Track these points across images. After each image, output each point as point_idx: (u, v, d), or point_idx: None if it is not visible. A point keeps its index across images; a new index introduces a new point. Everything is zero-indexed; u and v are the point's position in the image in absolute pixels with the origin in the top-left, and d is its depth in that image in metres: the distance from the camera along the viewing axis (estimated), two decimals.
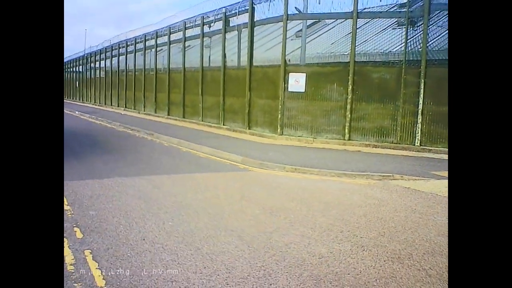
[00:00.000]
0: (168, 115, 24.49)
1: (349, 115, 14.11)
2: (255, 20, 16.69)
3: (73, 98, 49.96)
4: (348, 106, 14.09)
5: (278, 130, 15.28)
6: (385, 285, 4.01)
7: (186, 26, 22.36)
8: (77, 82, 48.48)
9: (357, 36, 14.23)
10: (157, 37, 26.31)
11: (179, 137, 15.34)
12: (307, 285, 3.95)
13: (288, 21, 15.00)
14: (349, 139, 14.20)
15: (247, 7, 17.01)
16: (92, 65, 42.01)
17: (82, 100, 45.29)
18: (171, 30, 24.26)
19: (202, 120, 20.63)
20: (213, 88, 19.47)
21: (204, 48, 20.55)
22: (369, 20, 18.92)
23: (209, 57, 20.59)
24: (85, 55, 44.60)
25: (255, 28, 16.82)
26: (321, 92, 14.51)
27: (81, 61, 46.69)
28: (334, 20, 24.44)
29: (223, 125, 18.79)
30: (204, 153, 12.29)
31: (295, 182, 8.69)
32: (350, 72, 14.02)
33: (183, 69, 22.49)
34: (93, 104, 39.98)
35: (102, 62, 38.56)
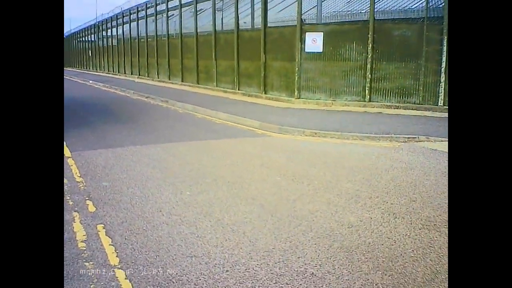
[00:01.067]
0: (182, 81, 24.06)
1: (369, 75, 13.52)
2: None
3: (86, 68, 49.71)
4: (368, 66, 13.48)
5: (295, 93, 14.80)
6: (423, 256, 3.68)
7: None
8: (90, 51, 48.07)
9: None
10: (167, 1, 25.58)
11: (194, 103, 14.98)
12: (338, 258, 3.64)
13: None
14: (369, 101, 13.66)
15: None
16: (104, 33, 41.46)
17: (96, 69, 44.99)
18: None
19: (216, 86, 20.18)
20: (227, 52, 18.91)
21: (216, 10, 19.83)
22: None
23: (222, 19, 19.92)
24: (97, 23, 43.98)
25: None
26: (340, 52, 13.88)
27: (92, 30, 46.11)
28: None
29: (238, 90, 18.33)
30: (220, 119, 11.94)
31: (315, 146, 8.32)
32: (369, 30, 13.32)
33: (195, 33, 21.88)
34: (106, 73, 39.68)
35: (114, 30, 37.96)
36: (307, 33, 14.36)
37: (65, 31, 66.97)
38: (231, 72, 18.77)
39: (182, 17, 23.72)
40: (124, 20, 34.52)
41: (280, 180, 5.90)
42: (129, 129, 10.25)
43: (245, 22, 18.73)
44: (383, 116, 11.82)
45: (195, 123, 11.37)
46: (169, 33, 25.65)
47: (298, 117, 11.63)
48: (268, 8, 16.55)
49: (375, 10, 13.60)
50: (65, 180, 5.76)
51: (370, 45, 13.36)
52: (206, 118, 12.35)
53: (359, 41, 13.57)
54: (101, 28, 42.33)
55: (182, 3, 23.60)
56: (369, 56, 13.42)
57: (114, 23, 37.56)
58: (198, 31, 21.76)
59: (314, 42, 14.28)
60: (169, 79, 25.85)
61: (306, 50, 14.43)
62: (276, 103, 15.09)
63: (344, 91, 14.04)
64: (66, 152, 7.62)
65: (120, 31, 36.18)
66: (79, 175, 6.10)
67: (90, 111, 13.95)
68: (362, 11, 18.12)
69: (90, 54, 48.16)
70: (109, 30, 39.61)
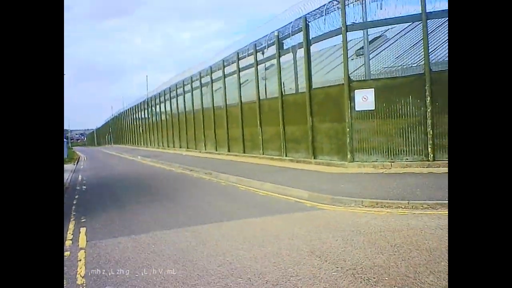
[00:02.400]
0: (229, 151, 23.30)
1: (431, 131, 11.93)
2: (310, 37, 15.13)
3: (138, 144, 50.77)
4: (429, 121, 11.94)
5: (348, 156, 13.36)
6: None
7: (239, 56, 21.30)
8: (141, 128, 49.28)
9: (429, 41, 12.19)
10: (211, 72, 25.56)
11: (238, 174, 13.87)
12: None
13: (348, 32, 13.27)
14: (433, 159, 11.96)
15: (300, 26, 15.53)
16: (153, 109, 42.44)
17: (147, 145, 45.72)
18: (225, 63, 23.33)
19: (263, 153, 19.11)
20: (272, 118, 17.98)
21: (259, 78, 19.23)
22: (441, 21, 16.84)
23: (265, 86, 19.23)
24: (146, 100, 45.32)
25: (311, 47, 15.22)
26: (394, 108, 12.48)
27: (142, 107, 47.55)
28: (396, 33, 22.73)
29: (286, 156, 17.13)
30: (265, 191, 10.66)
31: (379, 221, 6.75)
32: (426, 82, 11.93)
33: (239, 102, 21.32)
34: (156, 148, 40.04)
35: (162, 106, 38.70)
36: (356, 91, 13.16)
37: (117, 110, 70.09)
38: (277, 139, 17.70)
39: (226, 87, 23.40)
40: (171, 95, 35.08)
41: (336, 276, 4.40)
42: (162, 208, 9.14)
43: (290, 88, 17.89)
44: None
45: (236, 198, 10.13)
46: (214, 104, 25.37)
47: (353, 184, 10.13)
48: (312, 72, 15.63)
49: (431, 61, 12.29)
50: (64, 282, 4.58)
51: (428, 98, 11.90)
52: (249, 190, 11.10)
53: (415, 94, 12.16)
54: (150, 104, 43.44)
55: (225, 73, 23.38)
56: (429, 110, 11.92)
57: (162, 99, 38.36)
58: (242, 99, 21.20)
59: (364, 99, 13.02)
60: (216, 150, 25.21)
61: (357, 108, 13.15)
62: (327, 168, 13.67)
63: (403, 151, 12.46)
64: (82, 241, 6.55)
65: (168, 107, 36.75)
66: (82, 275, 4.91)
67: (128, 189, 13.12)
68: (413, 65, 16.89)
69: (141, 131, 49.33)
70: (157, 106, 40.47)
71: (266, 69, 20.00)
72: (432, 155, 11.97)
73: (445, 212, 7.09)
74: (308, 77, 15.17)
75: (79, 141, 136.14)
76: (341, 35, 13.40)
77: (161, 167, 20.69)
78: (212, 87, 25.55)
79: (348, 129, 13.28)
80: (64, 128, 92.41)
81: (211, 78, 25.58)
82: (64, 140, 44.08)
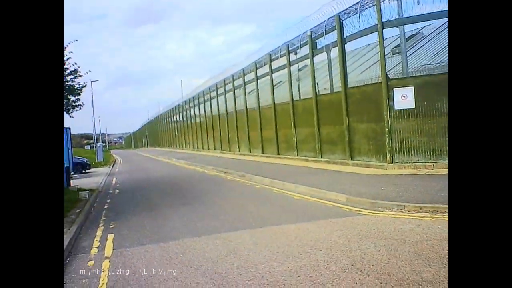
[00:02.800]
0: (263, 153, 22.97)
1: None
2: (345, 36, 14.59)
3: (173, 146, 51.26)
4: None
5: (388, 157, 12.74)
6: None
7: (272, 58, 20.94)
8: (176, 131, 49.71)
9: None
10: (244, 75, 25.33)
11: (272, 176, 13.50)
12: None
13: (384, 29, 12.66)
14: None
15: (333, 24, 15.01)
16: (188, 112, 42.69)
17: (182, 147, 46.06)
18: (257, 65, 23.04)
19: (297, 155, 18.66)
20: (306, 118, 17.52)
21: (292, 78, 18.80)
22: None
23: (298, 86, 18.78)
24: (181, 103, 45.66)
25: (346, 45, 14.68)
26: (436, 106, 11.79)
27: (177, 110, 47.94)
28: (433, 29, 21.81)
29: (321, 157, 16.62)
30: (300, 194, 10.23)
31: (424, 228, 6.21)
32: None
33: (272, 103, 20.96)
34: (191, 150, 40.22)
35: (196, 109, 38.85)
36: (395, 89, 12.53)
37: (153, 114, 71.05)
38: (312, 140, 17.22)
39: (259, 89, 23.09)
40: (205, 98, 35.12)
41: None
42: (193, 212, 8.88)
43: (325, 89, 17.37)
44: None
45: (270, 201, 9.75)
46: (247, 106, 25.12)
47: (394, 186, 9.56)
48: (347, 72, 15.07)
49: None
50: None
51: None
52: (284, 193, 10.71)
53: None
54: (184, 108, 43.73)
55: (258, 75, 23.07)
56: None
57: (196, 102, 38.50)
58: (275, 100, 20.83)
59: (404, 98, 12.38)
60: (250, 152, 24.95)
61: (396, 107, 12.52)
62: (365, 170, 13.09)
63: (446, 151, 11.73)
64: (108, 249, 6.34)
65: (202, 109, 36.82)
66: (105, 286, 4.64)
67: (161, 192, 12.98)
68: None
69: (176, 133, 49.77)
70: (191, 109, 40.68)
71: (299, 70, 19.52)
72: None
73: None
74: (343, 76, 14.64)
75: (117, 144, 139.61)
76: (377, 32, 12.80)
77: (195, 169, 20.57)
78: (245, 89, 25.31)
79: (387, 129, 12.67)
80: (102, 132, 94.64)
81: (244, 80, 25.34)
82: (101, 144, 44.93)
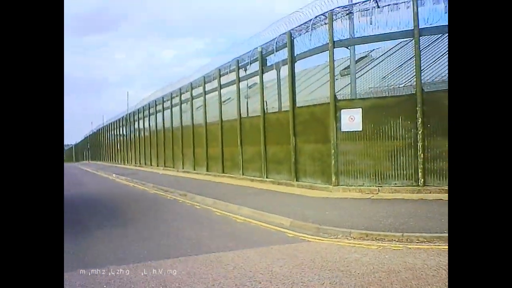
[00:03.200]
0: (207, 171, 22.26)
1: (422, 155, 11.16)
2: (295, 54, 14.39)
3: (115, 161, 49.23)
4: (420, 144, 11.18)
5: (333, 179, 12.48)
6: None
7: (221, 72, 20.47)
8: (119, 145, 47.84)
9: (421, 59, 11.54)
10: (192, 89, 24.64)
11: (215, 196, 12.87)
12: None
13: (334, 48, 12.54)
14: (424, 185, 11.17)
15: (284, 41, 14.80)
16: (131, 126, 41.20)
17: (124, 162, 44.27)
18: (206, 80, 22.46)
19: (242, 174, 18.14)
20: (253, 137, 17.09)
21: (241, 95, 18.39)
22: (430, 39, 16.38)
23: (247, 103, 18.39)
24: (124, 116, 44.04)
25: (296, 64, 14.46)
26: (383, 129, 11.71)
27: (121, 123, 46.19)
28: (382, 53, 22.27)
29: (267, 178, 16.19)
30: (243, 217, 9.68)
31: (371, 258, 5.82)
32: (417, 102, 11.22)
33: (220, 120, 20.40)
34: (134, 166, 38.68)
35: (141, 122, 37.55)
36: (342, 110, 12.37)
37: (97, 125, 68.46)
38: (258, 159, 16.78)
39: (207, 105, 22.49)
40: (150, 112, 33.99)
41: None
42: (125, 236, 8.06)
43: (273, 107, 17.07)
44: (445, 204, 9.27)
45: (210, 224, 9.11)
46: (193, 121, 24.40)
47: (339, 211, 9.23)
48: (296, 92, 14.84)
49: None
50: None
51: (420, 120, 11.18)
52: (226, 215, 10.11)
53: (406, 116, 11.43)
54: (128, 121, 42.19)
55: (206, 90, 22.50)
56: (420, 132, 11.18)
57: (140, 115, 37.23)
58: (222, 116, 20.30)
59: (351, 120, 12.23)
60: (194, 169, 24.15)
61: (343, 129, 12.34)
62: (310, 192, 12.77)
63: (391, 175, 11.65)
64: None
65: (146, 123, 35.62)
66: None
67: (93, 211, 11.97)
68: (400, 86, 16.26)
69: (119, 147, 47.87)
70: (136, 123, 39.30)
71: (249, 87, 19.18)
72: (422, 180, 11.18)
73: (444, 247, 6.22)
74: (291, 95, 14.38)
75: None
76: (328, 51, 12.67)
77: (135, 187, 19.51)
78: (192, 103, 24.62)
79: (333, 151, 12.44)
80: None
81: (191, 94, 24.65)
82: None
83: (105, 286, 5.02)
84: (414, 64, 11.70)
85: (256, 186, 15.32)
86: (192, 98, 24.57)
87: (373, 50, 21.94)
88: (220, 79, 20.48)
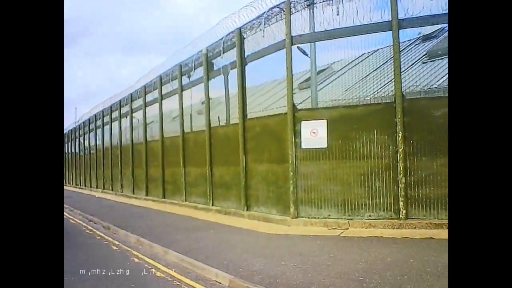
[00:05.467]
0: (147, 195, 19.19)
1: (404, 179, 8.78)
2: (245, 55, 11.85)
3: None
4: (400, 165, 8.80)
5: (291, 209, 9.88)
6: None
7: (163, 80, 17.65)
8: None
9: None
10: (132, 101, 21.64)
11: (142, 231, 9.99)
12: None
13: (292, 46, 10.07)
14: (406, 218, 8.77)
15: (233, 40, 12.25)
16: (72, 143, 37.36)
17: (65, 183, 40.16)
18: (146, 89, 19.55)
19: (185, 200, 15.26)
20: (198, 155, 14.30)
21: (183, 107, 15.61)
22: (405, 44, 14.33)
23: (190, 115, 15.60)
24: (66, 133, 40.07)
25: (247, 66, 11.88)
26: (354, 146, 9.28)
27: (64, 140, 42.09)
28: (344, 65, 20.26)
29: (212, 205, 13.40)
30: (166, 267, 6.86)
31: None
32: (397, 111, 8.88)
33: (160, 135, 17.49)
34: (73, 187, 34.87)
35: (81, 139, 33.90)
36: (303, 122, 9.87)
37: None
38: (203, 182, 13.98)
39: (149, 118, 19.54)
40: (90, 128, 30.49)
41: None
42: None
43: (224, 120, 14.40)
44: (439, 245, 6.84)
45: (115, 281, 6.20)
46: (133, 138, 21.35)
47: (300, 258, 6.59)
48: (248, 102, 12.27)
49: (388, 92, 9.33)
50: None
51: (400, 134, 8.82)
52: (145, 263, 7.26)
53: (383, 129, 9.05)
54: (70, 138, 38.29)
55: (146, 101, 19.56)
56: (400, 150, 8.80)
57: (81, 131, 33.61)
58: (164, 132, 17.40)
59: (314, 134, 9.74)
60: (133, 193, 21.01)
61: (303, 146, 9.82)
62: (263, 226, 10.09)
63: (365, 204, 9.18)
64: None
65: (86, 141, 32.05)
66: None
67: None
68: (367, 97, 14.09)
69: None
70: (76, 140, 35.56)
71: (191, 88, 16.39)
72: (404, 212, 8.76)
73: None
74: (241, 104, 11.76)
75: None
76: (285, 49, 10.17)
77: None
78: (131, 117, 21.59)
79: (291, 173, 9.87)
80: None
81: (131, 107, 21.64)
82: None
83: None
84: (393, 67, 9.39)
85: (198, 217, 12.47)
86: (132, 111, 21.57)
87: (334, 62, 20.10)
88: (161, 88, 17.64)
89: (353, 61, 19.77)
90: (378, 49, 16.84)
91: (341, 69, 20.23)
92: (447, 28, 18.87)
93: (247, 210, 11.58)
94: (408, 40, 18.58)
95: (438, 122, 8.61)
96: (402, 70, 13.91)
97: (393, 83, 9.13)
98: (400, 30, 8.99)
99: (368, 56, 18.66)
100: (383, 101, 9.77)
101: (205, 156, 13.67)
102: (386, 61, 16.68)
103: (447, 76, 14.34)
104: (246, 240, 8.52)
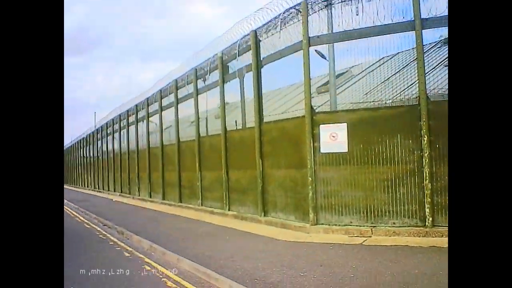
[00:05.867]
0: (163, 199, 19.01)
1: (429, 184, 8.31)
2: (261, 57, 11.52)
3: (77, 184, 45.27)
4: (426, 170, 8.34)
5: (311, 216, 9.49)
6: None
7: (178, 85, 17.45)
8: (80, 167, 43.95)
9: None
10: (148, 105, 21.52)
11: (156, 237, 9.74)
12: None
13: (310, 47, 9.70)
14: (433, 225, 8.30)
15: (249, 43, 11.94)
16: (92, 147, 37.55)
17: (85, 186, 40.44)
18: (162, 94, 19.40)
19: (201, 204, 14.99)
20: (213, 160, 14.02)
21: (199, 109, 15.36)
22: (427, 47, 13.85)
23: (206, 119, 15.34)
24: (85, 137, 40.35)
25: (263, 69, 11.56)
26: (376, 151, 8.84)
27: (82, 144, 42.41)
28: (363, 69, 19.85)
29: (229, 210, 13.09)
30: (179, 276, 6.55)
31: None
32: (422, 114, 8.43)
33: (176, 139, 17.28)
34: (92, 190, 35.03)
35: (99, 143, 34.03)
36: (321, 126, 9.49)
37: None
38: (219, 186, 13.68)
39: (163, 120, 19.39)
40: (108, 132, 30.57)
41: None
42: None
43: (240, 124, 14.08)
44: None
45: None
46: (149, 141, 21.22)
47: (322, 270, 6.21)
48: (265, 106, 11.92)
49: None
50: None
51: (425, 138, 8.37)
52: (156, 271, 6.96)
53: (407, 132, 8.61)
54: (89, 142, 38.53)
55: (162, 105, 19.41)
56: (426, 155, 8.35)
57: (100, 135, 33.74)
58: (180, 136, 17.19)
59: (333, 138, 9.35)
60: (150, 197, 20.88)
61: (322, 150, 9.44)
62: (281, 232, 9.73)
63: (389, 211, 8.74)
64: None
65: (105, 144, 32.13)
66: None
67: None
68: (387, 101, 13.62)
69: (80, 170, 43.99)
70: (94, 144, 35.73)
71: (206, 92, 16.13)
72: (431, 219, 8.30)
73: None
74: (257, 107, 11.44)
75: None
76: (302, 50, 9.81)
77: (75, 219, 16.03)
78: (148, 122, 21.47)
79: (310, 179, 9.49)
80: None
81: (147, 111, 21.52)
82: None
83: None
84: (416, 68, 8.96)
85: (214, 222, 12.17)
86: (148, 115, 21.45)
87: (353, 66, 19.67)
88: (177, 92, 17.44)
89: (372, 65, 19.31)
90: (398, 53, 16.38)
91: (360, 73, 19.79)
92: None
93: (264, 215, 11.23)
94: (428, 44, 18.07)
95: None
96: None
97: (417, 84, 8.68)
98: (422, 32, 8.52)
99: (388, 60, 18.21)
100: (407, 104, 9.32)
101: (220, 161, 13.37)
102: (408, 64, 16.19)
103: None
104: (263, 248, 8.16)
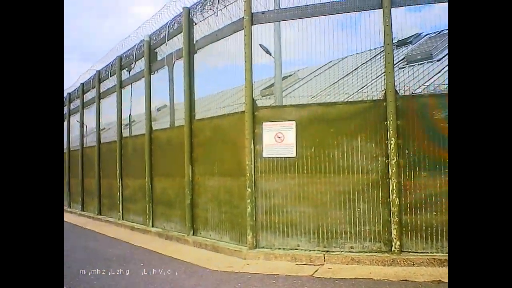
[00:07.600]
0: (83, 210, 16.42)
1: (397, 200, 6.62)
2: (195, 40, 9.48)
3: None
4: (393, 181, 6.64)
5: (249, 237, 7.54)
6: None
7: (101, 77, 15.00)
8: None
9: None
10: (70, 102, 18.79)
11: None
12: None
13: (253, 25, 7.79)
14: (400, 251, 6.61)
15: (181, 22, 9.86)
16: None
17: None
18: (85, 88, 16.82)
19: (122, 218, 12.64)
20: (137, 165, 11.72)
21: (122, 103, 13.03)
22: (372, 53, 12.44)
23: (130, 116, 13.04)
24: None
25: (196, 55, 9.50)
26: (332, 156, 7.06)
27: None
28: (309, 73, 18.61)
29: (152, 226, 10.86)
30: None
31: None
32: (388, 112, 6.75)
33: (97, 140, 14.79)
34: None
35: None
36: (264, 124, 7.58)
37: None
38: (142, 197, 11.42)
39: (84, 117, 16.81)
40: None
41: None
42: None
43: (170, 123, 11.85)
44: None
45: None
46: (70, 144, 18.53)
47: None
48: (196, 99, 9.88)
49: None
50: None
51: (393, 141, 6.68)
52: None
53: (369, 135, 6.89)
54: None
55: (84, 100, 16.80)
56: (393, 162, 6.65)
57: None
58: (101, 138, 14.73)
59: (279, 139, 7.48)
60: (70, 207, 18.19)
61: (265, 154, 7.53)
62: (212, 257, 7.71)
63: (345, 232, 6.96)
64: None
65: None
66: None
67: None
68: (338, 101, 12.07)
69: None
70: None
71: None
72: (398, 243, 6.60)
73: None
74: (189, 101, 9.35)
75: None
76: (243, 30, 7.87)
77: None
78: (69, 121, 18.74)
79: (249, 190, 7.53)
80: None
81: (69, 108, 18.79)
82: None
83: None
84: (384, 54, 7.42)
85: (132, 241, 9.90)
86: (70, 113, 18.71)
87: (298, 70, 18.37)
88: (99, 86, 14.97)
89: (319, 68, 18.10)
90: (346, 57, 15.16)
91: (306, 76, 18.47)
92: (422, 33, 17.51)
93: (193, 234, 9.14)
94: (381, 46, 16.99)
95: (439, 127, 6.53)
96: (377, 76, 12.09)
97: (384, 76, 7.00)
98: (391, 10, 6.87)
99: (336, 64, 17.05)
100: (370, 99, 7.63)
101: (144, 166, 11.13)
102: (363, 64, 15.00)
103: (427, 81, 12.69)
104: (182, 283, 6.08)
